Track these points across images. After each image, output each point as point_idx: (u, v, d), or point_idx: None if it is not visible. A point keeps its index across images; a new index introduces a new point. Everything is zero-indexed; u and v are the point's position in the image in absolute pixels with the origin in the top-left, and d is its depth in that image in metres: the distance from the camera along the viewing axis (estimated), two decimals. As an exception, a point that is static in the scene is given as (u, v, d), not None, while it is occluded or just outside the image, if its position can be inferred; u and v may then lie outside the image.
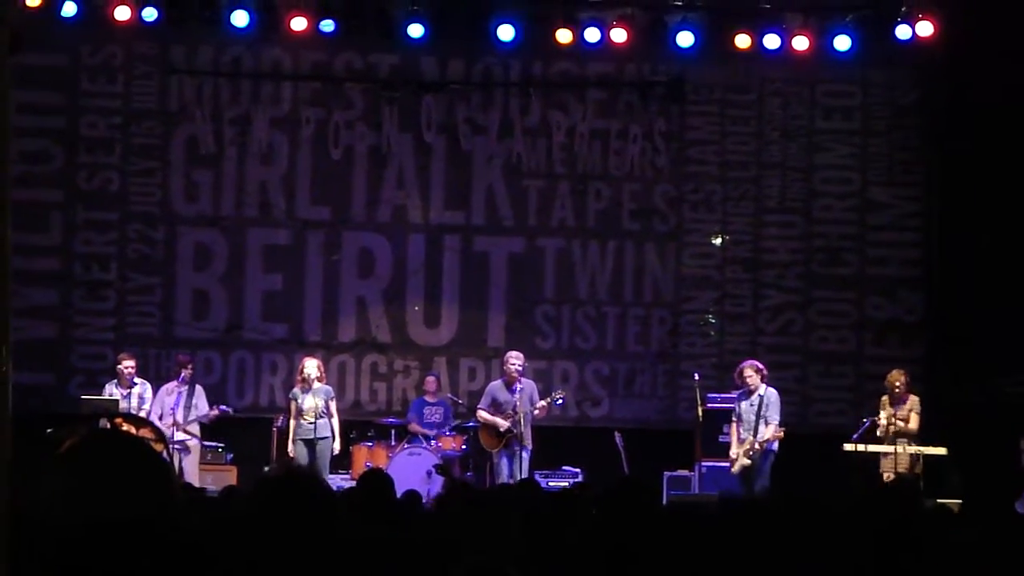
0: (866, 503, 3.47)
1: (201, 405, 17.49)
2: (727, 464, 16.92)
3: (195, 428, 17.45)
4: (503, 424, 17.35)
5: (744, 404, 16.78)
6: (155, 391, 17.51)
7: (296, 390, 17.44)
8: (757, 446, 16.51)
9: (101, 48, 19.26)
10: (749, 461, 16.51)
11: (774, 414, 16.63)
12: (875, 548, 3.34)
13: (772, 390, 16.80)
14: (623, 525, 5.63)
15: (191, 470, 17.21)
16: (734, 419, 16.86)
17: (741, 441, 16.68)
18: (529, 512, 6.12)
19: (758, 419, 16.58)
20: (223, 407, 17.71)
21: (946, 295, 19.07)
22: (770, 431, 16.50)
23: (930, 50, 18.88)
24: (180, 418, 17.26)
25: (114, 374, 17.49)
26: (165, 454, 2.98)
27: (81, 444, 2.92)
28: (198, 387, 17.67)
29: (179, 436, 17.16)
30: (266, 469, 17.19)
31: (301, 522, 3.36)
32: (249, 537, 3.26)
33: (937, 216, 19.36)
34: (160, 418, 17.09)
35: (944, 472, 16.24)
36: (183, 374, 17.50)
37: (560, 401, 17.86)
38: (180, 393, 17.40)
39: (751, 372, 16.81)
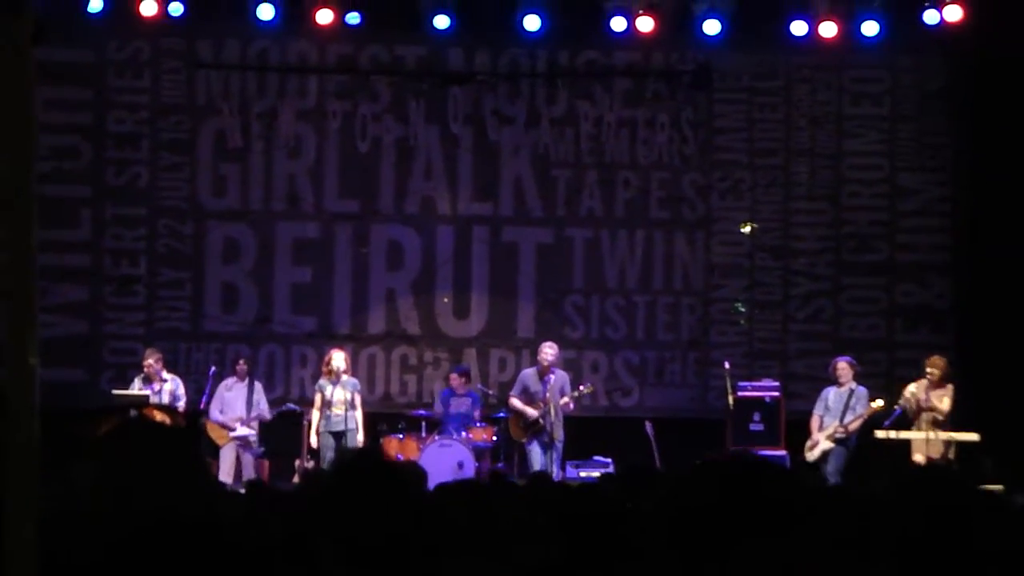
0: (909, 488, 3.44)
1: (261, 402, 17.61)
2: (759, 453, 17.00)
3: (255, 425, 17.56)
4: (532, 414, 17.34)
5: (832, 395, 17.31)
6: (186, 385, 17.63)
7: (323, 381, 17.49)
8: (843, 430, 16.98)
9: (128, 43, 19.31)
10: (832, 445, 17.03)
11: (861, 408, 17.02)
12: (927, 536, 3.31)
13: (863, 387, 17.29)
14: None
15: (249, 467, 17.31)
16: (818, 412, 17.34)
17: (823, 429, 17.15)
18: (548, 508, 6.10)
19: (846, 409, 17.07)
20: (289, 405, 17.89)
21: (975, 280, 18.99)
22: (857, 423, 16.96)
23: (958, 35, 18.81)
24: (243, 414, 17.39)
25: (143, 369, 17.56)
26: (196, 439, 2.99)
27: (112, 434, 2.92)
28: (257, 383, 17.80)
29: (243, 432, 17.32)
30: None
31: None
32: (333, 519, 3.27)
33: (966, 201, 19.28)
34: (221, 413, 17.29)
35: (976, 458, 16.19)
36: (238, 370, 17.65)
37: (585, 393, 17.78)
38: (240, 390, 17.54)
39: (844, 366, 17.39)
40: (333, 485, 3.51)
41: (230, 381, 17.69)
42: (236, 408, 17.49)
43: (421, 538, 3.47)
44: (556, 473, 16.57)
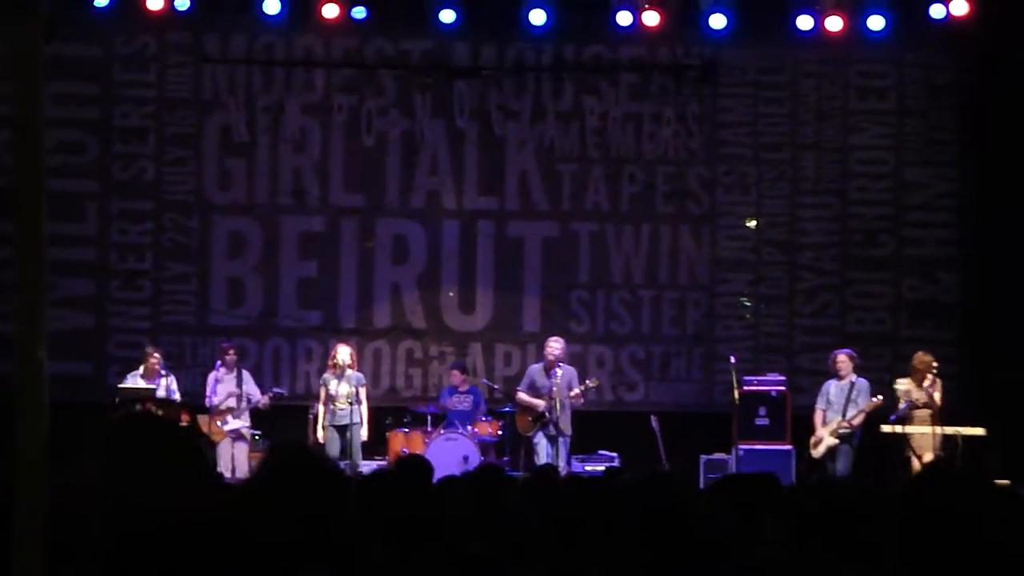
0: (921, 487, 3.44)
1: (252, 391, 17.58)
2: (764, 447, 17.05)
3: (247, 416, 17.55)
4: (540, 405, 17.34)
5: (834, 389, 17.21)
6: (192, 380, 17.61)
7: (327, 376, 17.49)
8: (847, 425, 16.87)
9: (134, 38, 19.31)
10: (837, 441, 16.94)
11: (863, 401, 16.94)
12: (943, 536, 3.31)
13: (863, 380, 17.20)
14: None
15: (243, 460, 17.28)
16: (820, 406, 17.23)
17: (826, 424, 17.02)
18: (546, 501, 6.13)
19: (848, 403, 16.97)
20: (276, 390, 17.83)
21: (982, 275, 18.98)
22: (860, 417, 16.84)
23: (964, 29, 18.78)
24: (234, 405, 17.38)
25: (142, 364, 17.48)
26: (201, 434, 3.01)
27: (114, 428, 2.93)
28: (245, 373, 17.76)
29: (235, 424, 17.31)
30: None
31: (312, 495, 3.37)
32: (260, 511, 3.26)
33: (973, 196, 19.27)
34: (214, 406, 17.23)
35: (983, 453, 16.19)
36: (227, 360, 17.59)
37: (591, 387, 17.74)
38: (230, 380, 17.51)
39: (844, 359, 17.28)
40: (263, 480, 3.50)
41: (220, 372, 17.64)
42: (227, 400, 17.46)
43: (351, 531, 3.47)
44: (562, 467, 16.58)
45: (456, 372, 18.30)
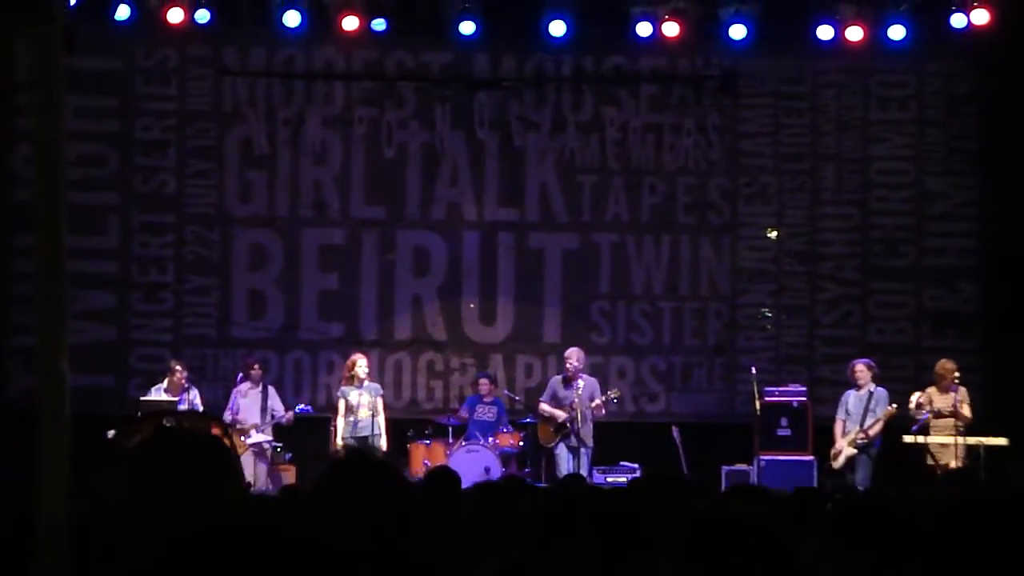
0: (942, 497, 3.43)
1: (277, 407, 17.58)
2: (786, 458, 17.02)
3: (270, 430, 17.54)
4: (561, 415, 17.35)
5: (852, 399, 17.22)
6: (213, 392, 17.60)
7: (345, 388, 17.45)
8: (863, 436, 16.85)
9: (155, 51, 19.36)
10: (855, 450, 16.92)
11: (880, 411, 16.95)
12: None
13: (882, 388, 17.19)
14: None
15: (263, 474, 17.25)
16: (840, 416, 17.23)
17: (846, 434, 16.97)
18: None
19: (866, 412, 16.97)
20: (302, 407, 17.78)
21: (1003, 284, 18.93)
22: (877, 427, 16.83)
23: (985, 39, 18.74)
24: (258, 421, 17.37)
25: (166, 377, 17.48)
26: (231, 446, 3.00)
27: (149, 441, 2.93)
28: (271, 388, 17.77)
29: (258, 438, 17.29)
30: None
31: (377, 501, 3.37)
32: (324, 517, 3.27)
33: (993, 205, 19.23)
34: (237, 422, 17.20)
35: (1006, 462, 16.14)
36: (252, 375, 17.59)
37: (612, 398, 17.73)
38: (256, 396, 17.50)
39: (862, 368, 17.31)
40: (328, 484, 3.50)
41: (244, 387, 17.64)
42: (252, 414, 17.47)
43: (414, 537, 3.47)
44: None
45: (484, 381, 18.31)
